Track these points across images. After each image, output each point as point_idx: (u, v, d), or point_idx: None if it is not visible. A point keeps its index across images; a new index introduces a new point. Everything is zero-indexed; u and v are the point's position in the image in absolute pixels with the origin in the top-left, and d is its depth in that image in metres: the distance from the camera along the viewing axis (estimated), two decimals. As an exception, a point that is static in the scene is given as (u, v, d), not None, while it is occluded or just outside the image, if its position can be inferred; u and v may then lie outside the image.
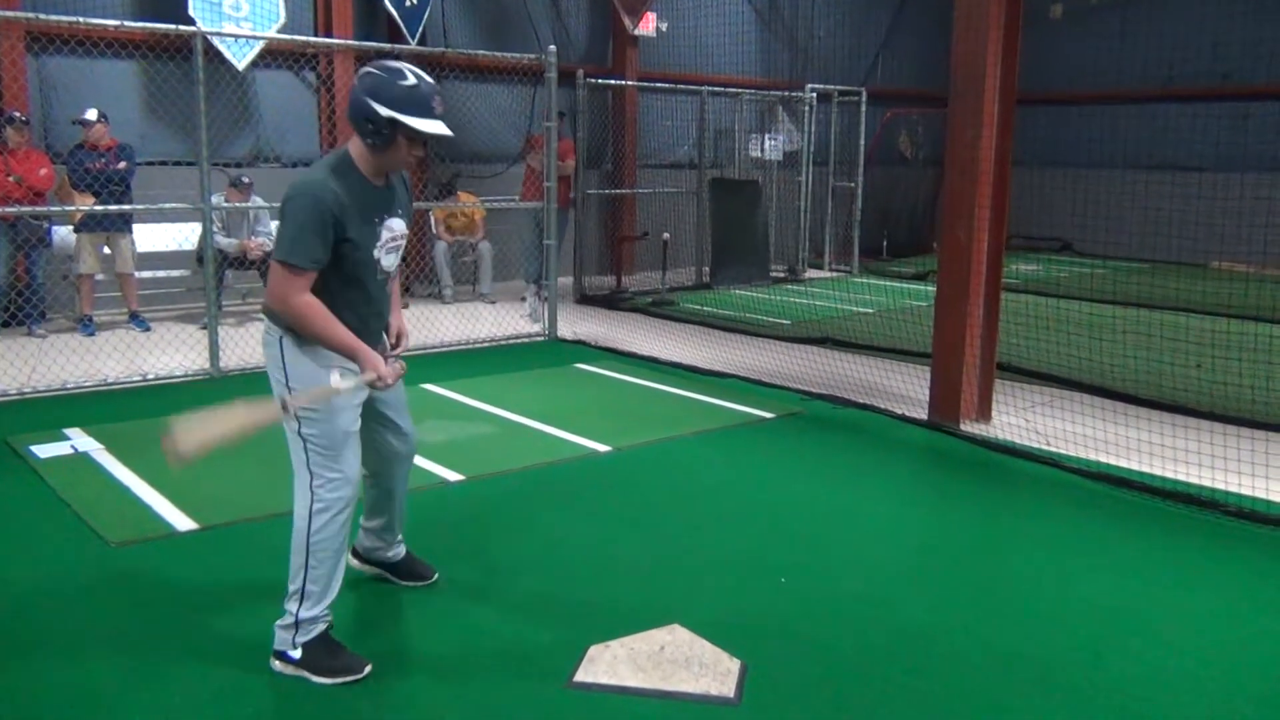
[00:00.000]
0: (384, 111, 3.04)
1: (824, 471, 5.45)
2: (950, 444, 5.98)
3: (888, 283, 12.96)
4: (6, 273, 8.41)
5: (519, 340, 8.81)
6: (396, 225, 3.28)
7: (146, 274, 9.23)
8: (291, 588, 3.25)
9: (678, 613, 3.67)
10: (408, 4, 10.22)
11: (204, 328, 8.89)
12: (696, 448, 5.83)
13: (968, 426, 6.18)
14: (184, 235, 9.32)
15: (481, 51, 10.26)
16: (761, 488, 5.16)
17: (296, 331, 3.14)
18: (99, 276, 8.82)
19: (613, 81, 11.85)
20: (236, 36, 9.33)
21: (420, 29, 10.36)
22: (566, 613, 3.71)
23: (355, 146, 3.16)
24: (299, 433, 3.21)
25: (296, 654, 3.24)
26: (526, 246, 10.47)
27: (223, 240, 9.10)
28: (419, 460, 5.30)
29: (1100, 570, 4.19)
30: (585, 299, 11.01)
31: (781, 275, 13.07)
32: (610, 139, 12.89)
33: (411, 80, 3.08)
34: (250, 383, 7.13)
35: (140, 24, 7.43)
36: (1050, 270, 14.04)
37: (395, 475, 3.72)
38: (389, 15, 10.56)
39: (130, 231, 8.82)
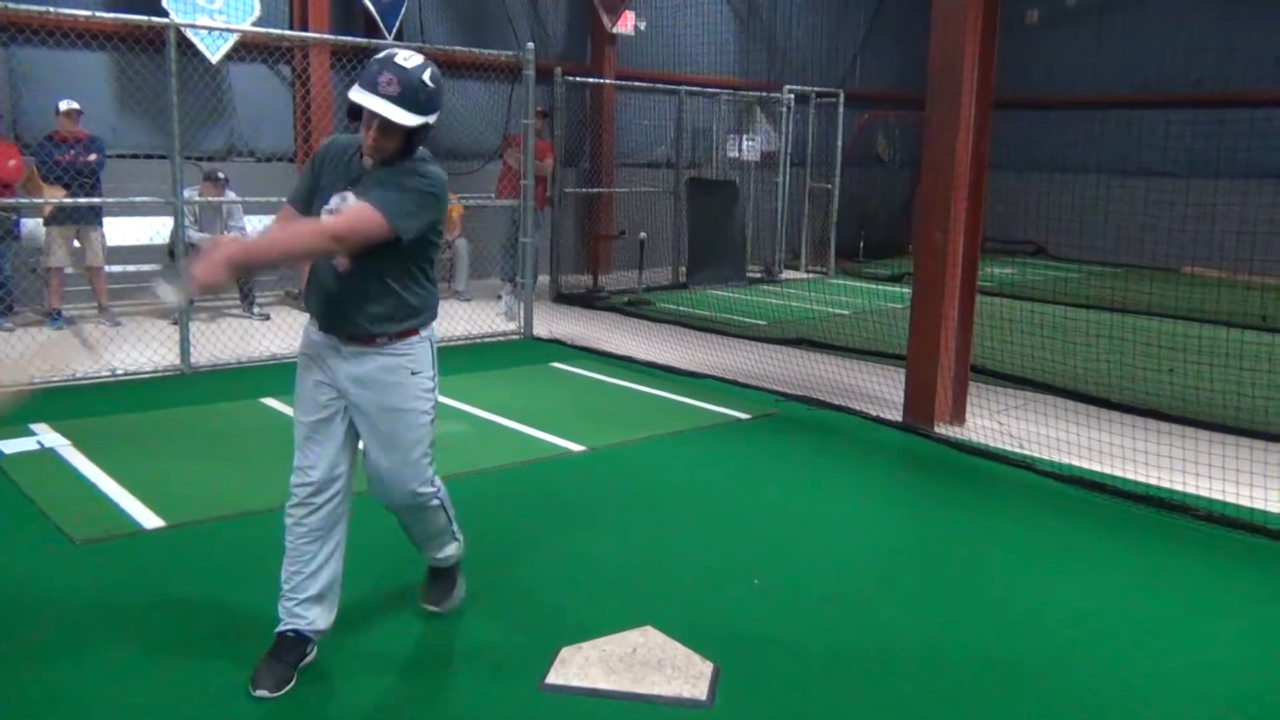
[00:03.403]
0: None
1: (798, 473, 5.45)
2: (924, 446, 6.00)
3: (864, 284, 13.00)
4: (-24, 265, 8.29)
5: (494, 339, 8.77)
6: (349, 201, 3.05)
7: (117, 268, 9.12)
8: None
9: (650, 614, 3.66)
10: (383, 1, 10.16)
11: (175, 323, 8.81)
12: (672, 448, 5.82)
13: (942, 429, 6.20)
14: (155, 229, 9.20)
15: (458, 48, 10.21)
16: (736, 489, 5.16)
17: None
18: (69, 270, 8.71)
19: (591, 80, 11.80)
20: (209, 29, 9.23)
21: (397, 24, 10.30)
22: (538, 614, 3.69)
23: None
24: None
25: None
26: (502, 244, 10.43)
27: (195, 235, 9.00)
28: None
29: (1071, 574, 4.21)
30: (562, 298, 10.97)
31: (758, 276, 13.08)
32: (588, 137, 12.86)
33: (383, 55, 3.05)
34: (221, 379, 7.08)
35: (112, 15, 7.36)
36: (1024, 274, 14.12)
37: (384, 503, 3.40)
38: (365, 10, 10.49)
39: (100, 225, 8.72)
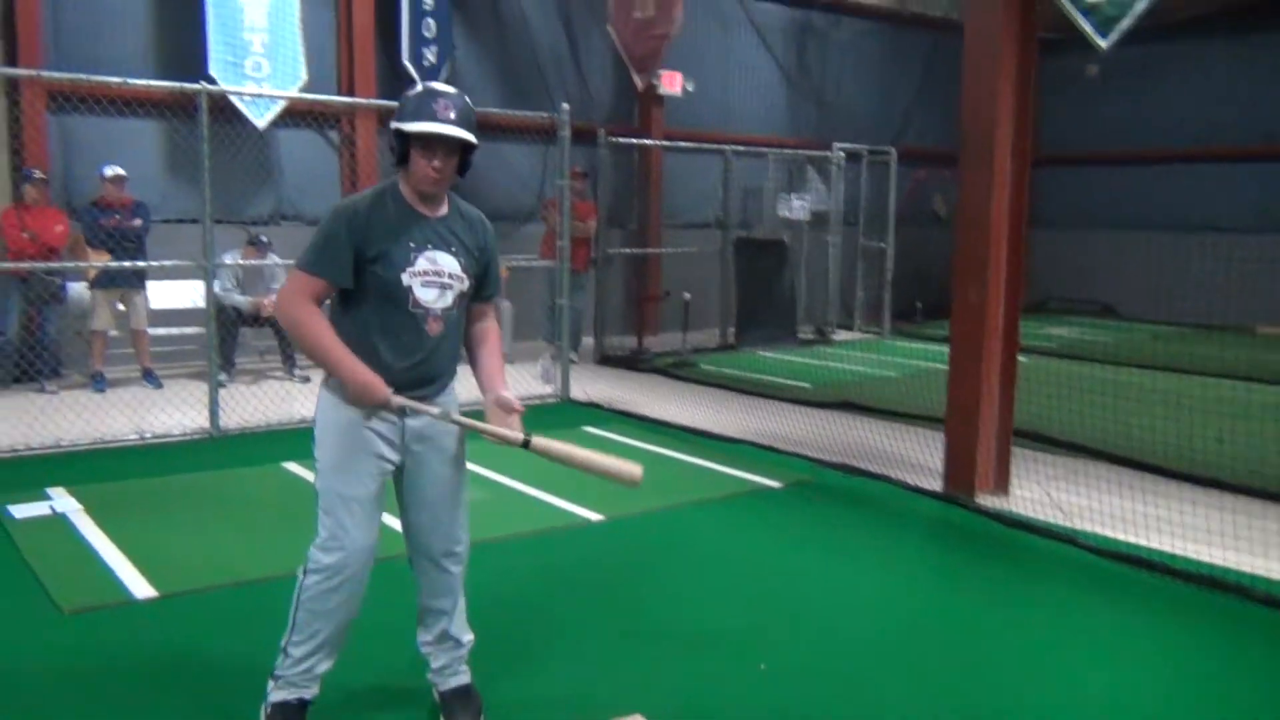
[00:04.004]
0: (394, 125, 2.97)
1: (825, 545, 5.17)
2: (962, 518, 5.67)
3: (919, 345, 12.64)
4: (19, 328, 8.40)
5: (530, 401, 8.60)
6: (444, 261, 3.02)
7: (161, 331, 9.19)
8: (280, 642, 3.09)
9: (643, 700, 3.41)
10: (425, 63, 10.25)
11: (221, 385, 8.84)
12: (695, 518, 5.58)
13: (983, 499, 5.86)
14: (199, 293, 9.27)
15: (494, 109, 10.24)
16: (756, 562, 4.89)
17: (295, 338, 3.03)
18: (113, 333, 8.80)
19: (633, 140, 11.74)
20: (241, 94, 9.33)
21: (437, 87, 10.36)
22: (525, 697, 3.47)
23: (401, 175, 3.05)
24: (314, 483, 3.09)
25: (265, 712, 3.07)
26: (545, 307, 10.34)
27: (238, 297, 9.07)
28: (395, 523, 5.15)
29: (1110, 664, 3.86)
30: (606, 360, 10.83)
31: (810, 337, 12.82)
32: (635, 198, 12.81)
33: (418, 89, 3.01)
34: (248, 443, 7.02)
35: (146, 82, 7.44)
36: (1087, 334, 13.64)
37: (421, 573, 3.25)
38: (409, 74, 10.59)
39: (144, 288, 8.82)
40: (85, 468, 6.14)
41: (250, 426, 7.34)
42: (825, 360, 11.23)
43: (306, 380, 9.24)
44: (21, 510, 5.26)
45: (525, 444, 3.08)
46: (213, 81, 9.23)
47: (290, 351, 9.42)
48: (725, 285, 12.25)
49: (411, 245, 2.99)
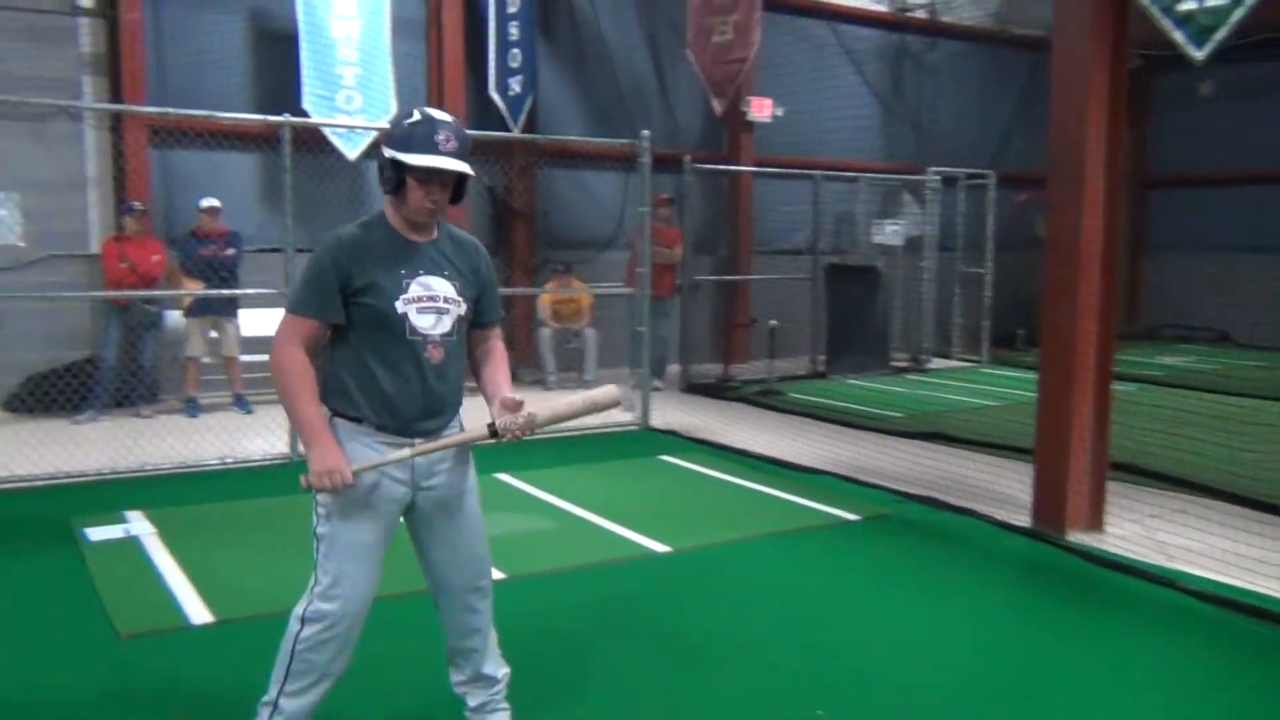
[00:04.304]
0: (387, 152, 2.87)
1: (900, 583, 4.91)
2: (1053, 556, 5.34)
3: (1019, 374, 12.14)
4: (118, 355, 8.67)
5: (609, 430, 8.52)
6: (438, 285, 2.93)
7: (252, 358, 9.38)
8: (266, 695, 2.98)
9: (688, 747, 3.25)
10: (511, 93, 10.31)
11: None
12: (765, 551, 5.37)
13: (1076, 536, 5.52)
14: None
15: (573, 137, 10.25)
16: (825, 600, 4.67)
17: (277, 381, 2.86)
18: (206, 360, 9.02)
19: (719, 166, 11.59)
20: (332, 126, 9.49)
21: (523, 116, 10.42)
22: (565, 739, 3.33)
23: (388, 203, 2.97)
24: (314, 529, 2.95)
25: None
26: (629, 334, 10.24)
27: (326, 325, 9.20)
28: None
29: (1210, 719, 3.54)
30: (692, 388, 10.68)
31: (903, 365, 12.45)
32: (725, 225, 12.68)
33: (415, 117, 2.88)
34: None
35: (233, 115, 7.59)
36: (1200, 362, 12.96)
37: (448, 609, 3.15)
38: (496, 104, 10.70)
39: (236, 316, 9.02)
40: (165, 491, 6.25)
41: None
42: (918, 389, 10.88)
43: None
44: (97, 533, 5.36)
45: (492, 433, 2.94)
46: (305, 114, 9.45)
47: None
48: (815, 312, 12.00)
49: (403, 272, 2.90)
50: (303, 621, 2.92)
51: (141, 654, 3.94)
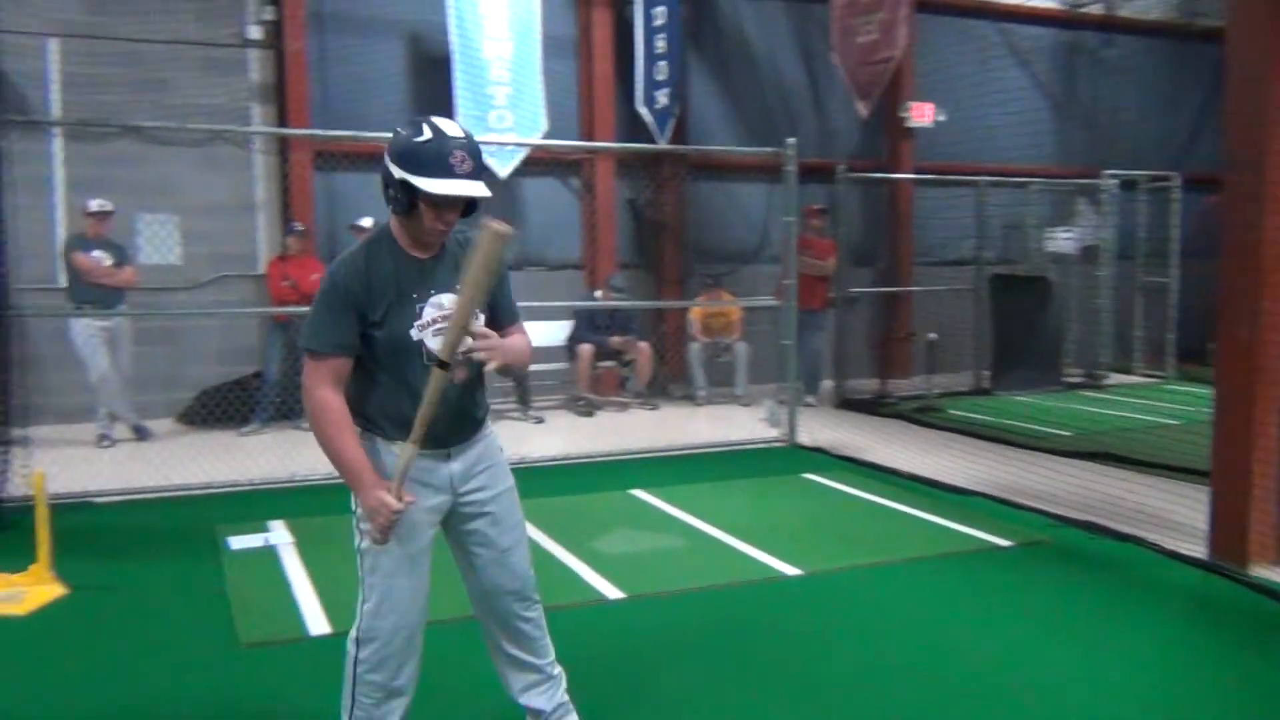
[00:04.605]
0: (397, 173, 2.68)
1: (1051, 619, 4.49)
2: (1230, 593, 4.80)
3: (1208, 390, 11.22)
4: (280, 370, 9.02)
5: (753, 446, 8.29)
6: (450, 302, 2.80)
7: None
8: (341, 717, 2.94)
9: (790, 788, 3.02)
10: (657, 106, 10.24)
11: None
12: (903, 578, 5.05)
13: (1259, 571, 4.96)
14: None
15: (717, 148, 10.08)
16: (963, 634, 4.32)
17: (312, 426, 2.80)
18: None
19: (874, 175, 11.18)
20: (499, 145, 9.65)
21: (669, 129, 10.33)
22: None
23: (393, 219, 2.83)
24: (357, 547, 2.90)
25: None
26: (781, 348, 9.97)
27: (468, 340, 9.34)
28: (583, 571, 4.99)
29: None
30: (846, 403, 10.32)
31: (1077, 380, 11.70)
32: (884, 235, 12.26)
33: (426, 135, 2.68)
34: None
35: (370, 135, 7.72)
36: None
37: (497, 615, 3.06)
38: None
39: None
40: (309, 502, 6.40)
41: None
42: (1091, 405, 10.19)
43: (540, 421, 9.37)
44: (239, 541, 5.52)
45: (441, 365, 2.68)
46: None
47: (527, 394, 9.59)
48: (979, 325, 11.42)
49: (414, 297, 2.79)
50: (357, 643, 2.87)
51: (257, 663, 3.99)
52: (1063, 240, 12.10)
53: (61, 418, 8.80)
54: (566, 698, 3.19)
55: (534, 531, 5.68)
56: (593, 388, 10.32)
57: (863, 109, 10.75)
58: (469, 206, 2.81)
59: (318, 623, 4.37)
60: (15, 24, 8.69)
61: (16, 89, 8.94)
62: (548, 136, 10.16)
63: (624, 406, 10.20)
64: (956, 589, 4.89)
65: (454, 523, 2.98)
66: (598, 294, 10.13)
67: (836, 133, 12.02)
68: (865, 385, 10.77)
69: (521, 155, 10.00)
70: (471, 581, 3.07)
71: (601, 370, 10.41)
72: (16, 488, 6.05)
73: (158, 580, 4.97)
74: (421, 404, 2.70)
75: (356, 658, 2.88)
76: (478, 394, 2.97)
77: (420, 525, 2.88)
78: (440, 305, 2.82)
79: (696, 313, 10.58)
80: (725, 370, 10.73)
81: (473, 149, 2.71)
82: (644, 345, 10.13)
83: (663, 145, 10.19)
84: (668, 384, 10.82)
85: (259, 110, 9.74)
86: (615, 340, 9.96)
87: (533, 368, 9.89)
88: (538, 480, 7.13)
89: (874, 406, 10.11)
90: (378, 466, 2.79)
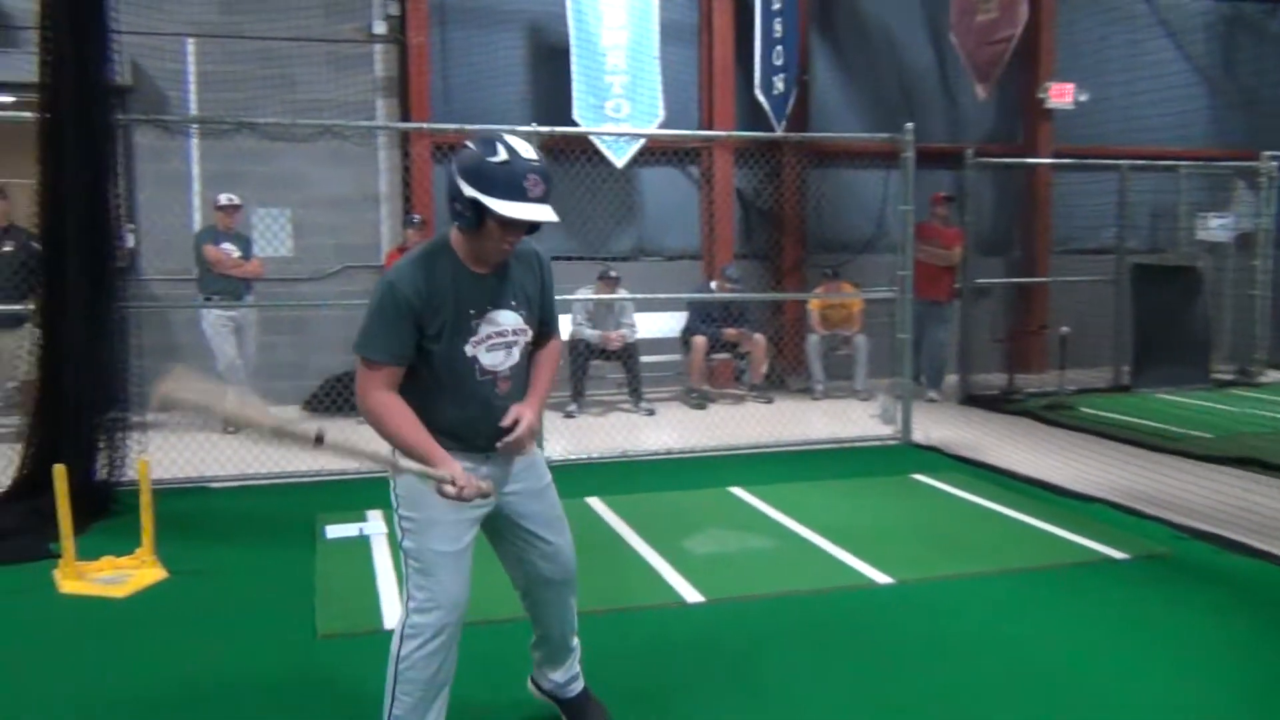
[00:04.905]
0: (468, 191, 2.70)
1: (1166, 643, 4.14)
2: (1370, 619, 4.37)
3: (1380, 391, 10.35)
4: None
5: (863, 443, 8.03)
6: (505, 319, 2.89)
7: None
8: (383, 714, 2.96)
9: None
10: (774, 92, 10.00)
11: (568, 415, 9.17)
12: (1004, 590, 4.77)
13: None
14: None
15: (830, 134, 9.79)
16: (1063, 654, 4.03)
17: (376, 430, 2.86)
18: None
19: (1007, 160, 10.63)
20: (562, 133, 9.46)
21: (786, 114, 10.07)
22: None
23: (454, 230, 2.85)
24: (401, 543, 2.95)
25: None
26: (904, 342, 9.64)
27: (588, 331, 9.36)
28: (666, 572, 4.91)
29: None
30: (971, 399, 9.90)
31: (1228, 378, 10.92)
32: (1019, 223, 11.71)
33: (501, 156, 2.70)
34: (577, 474, 7.08)
35: (474, 127, 7.72)
36: None
37: (543, 603, 3.22)
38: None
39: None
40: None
41: (584, 457, 7.45)
42: (1241, 405, 9.49)
43: (651, 413, 9.31)
44: (335, 530, 5.63)
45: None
46: (575, 124, 9.67)
47: (638, 386, 9.55)
48: (1119, 318, 10.78)
49: (472, 313, 2.83)
50: (402, 639, 2.88)
51: (329, 654, 4.04)
52: (1216, 227, 11.32)
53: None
54: (579, 669, 3.38)
55: (623, 529, 5.66)
56: (707, 380, 10.21)
57: (981, 91, 10.22)
58: (532, 226, 2.82)
59: (394, 616, 4.40)
60: (156, 25, 9.10)
61: (158, 88, 9.40)
62: (665, 125, 10.08)
63: (738, 400, 10.05)
64: (1062, 603, 4.58)
65: (499, 524, 3.07)
66: (712, 285, 9.99)
67: (966, 116, 11.52)
68: (992, 381, 10.31)
69: (638, 145, 9.93)
70: (518, 574, 3.19)
71: (716, 363, 10.29)
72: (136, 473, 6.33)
73: (253, 567, 5.11)
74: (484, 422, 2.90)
75: (399, 654, 2.90)
76: (519, 398, 3.01)
77: (465, 522, 2.93)
78: (496, 322, 2.88)
79: (815, 304, 10.32)
80: (845, 364, 10.44)
81: (544, 173, 2.74)
82: (759, 337, 9.94)
83: (778, 133, 9.94)
84: (785, 377, 10.60)
85: (383, 104, 9.94)
86: (729, 332, 9.81)
87: (647, 359, 9.86)
88: (638, 475, 7.10)
89: (1000, 403, 9.67)
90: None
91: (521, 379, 3.00)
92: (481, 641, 3.68)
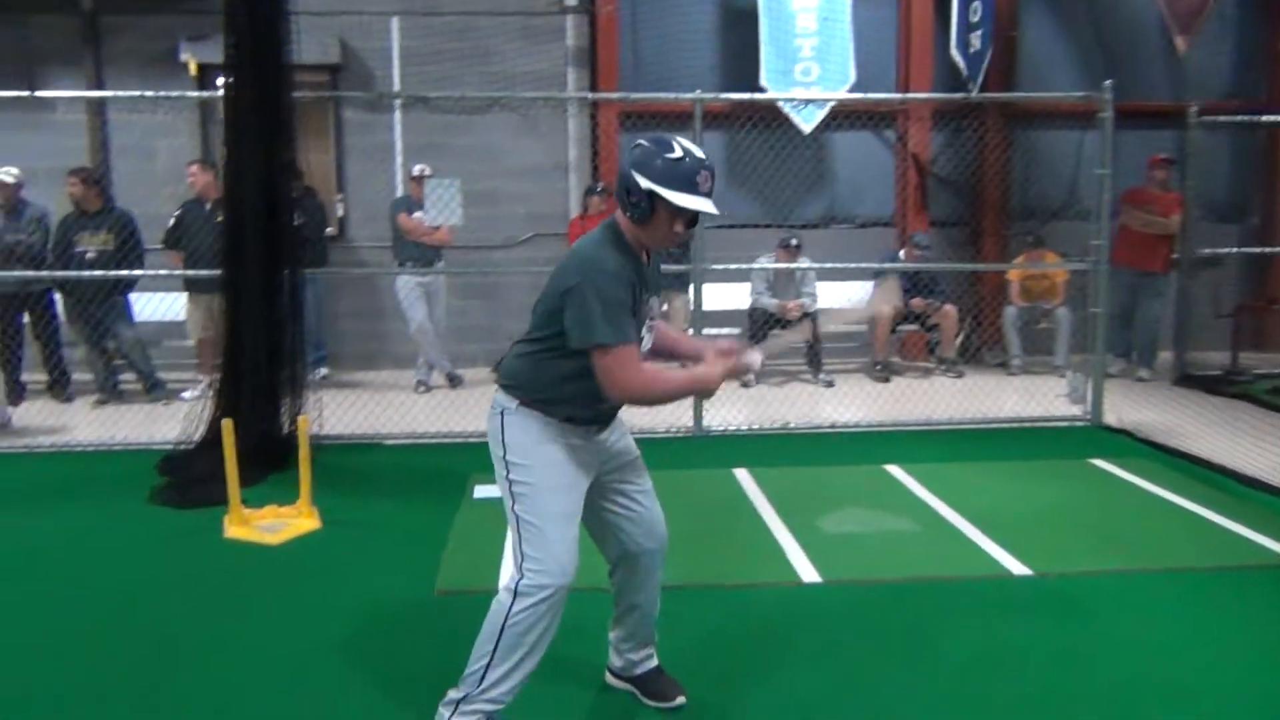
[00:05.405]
0: (644, 184, 2.88)
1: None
2: None
3: None
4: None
5: (1047, 424, 7.52)
6: (653, 304, 3.15)
7: (713, 331, 9.61)
8: (468, 670, 3.04)
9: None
10: (971, 50, 9.43)
11: (745, 385, 9.10)
12: (1157, 590, 4.37)
13: None
14: (736, 295, 9.60)
15: (1021, 94, 9.16)
16: (1216, 669, 3.65)
17: (647, 403, 3.13)
18: (659, 331, 9.46)
19: (1239, 118, 9.57)
20: (732, 99, 9.12)
21: (981, 74, 9.47)
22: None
23: (622, 221, 2.99)
24: (512, 509, 3.05)
25: None
26: (1113, 316, 8.92)
27: (767, 300, 9.24)
28: (790, 549, 4.90)
29: None
30: (1186, 379, 9.08)
31: None
32: (1258, 188, 10.60)
33: (677, 153, 2.90)
34: (732, 444, 7.04)
35: (649, 95, 7.77)
36: None
37: (635, 573, 3.29)
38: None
39: (686, 290, 9.33)
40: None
41: (733, 428, 7.40)
42: None
43: (830, 385, 9.10)
44: (483, 490, 5.79)
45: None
46: (763, 90, 9.52)
47: (817, 356, 9.35)
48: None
49: (644, 295, 3.02)
50: (514, 596, 2.94)
51: (439, 611, 4.22)
52: None
53: (398, 363, 9.79)
54: (654, 646, 3.47)
55: (761, 502, 5.60)
56: (896, 353, 9.85)
57: (1181, 44, 9.23)
58: (694, 219, 3.02)
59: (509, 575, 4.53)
60: (363, 6, 9.64)
61: (365, 64, 9.95)
62: (858, 88, 9.73)
63: (926, 373, 9.66)
64: (1224, 609, 4.16)
65: (598, 496, 3.18)
66: (900, 254, 9.61)
67: (1195, 71, 10.47)
68: (1213, 359, 9.40)
69: (827, 109, 9.65)
70: (612, 546, 3.27)
71: (904, 334, 9.91)
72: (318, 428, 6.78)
73: (399, 522, 5.38)
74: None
75: (510, 611, 2.95)
76: None
77: (575, 487, 3.05)
78: (650, 306, 3.11)
79: (1014, 274, 9.74)
80: (1048, 337, 9.82)
81: (712, 170, 2.94)
82: (949, 308, 9.49)
83: (972, 94, 9.38)
84: (982, 351, 10.08)
85: (573, 74, 10.11)
86: (916, 302, 9.41)
87: (829, 329, 9.64)
88: (795, 448, 6.99)
89: (1219, 385, 8.82)
90: (531, 432, 3.00)
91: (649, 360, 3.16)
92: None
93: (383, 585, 4.50)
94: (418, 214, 8.84)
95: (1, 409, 7.43)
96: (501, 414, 3.05)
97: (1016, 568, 4.62)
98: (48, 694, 3.52)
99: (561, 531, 2.97)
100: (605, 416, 3.11)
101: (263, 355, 6.04)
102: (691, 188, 2.87)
